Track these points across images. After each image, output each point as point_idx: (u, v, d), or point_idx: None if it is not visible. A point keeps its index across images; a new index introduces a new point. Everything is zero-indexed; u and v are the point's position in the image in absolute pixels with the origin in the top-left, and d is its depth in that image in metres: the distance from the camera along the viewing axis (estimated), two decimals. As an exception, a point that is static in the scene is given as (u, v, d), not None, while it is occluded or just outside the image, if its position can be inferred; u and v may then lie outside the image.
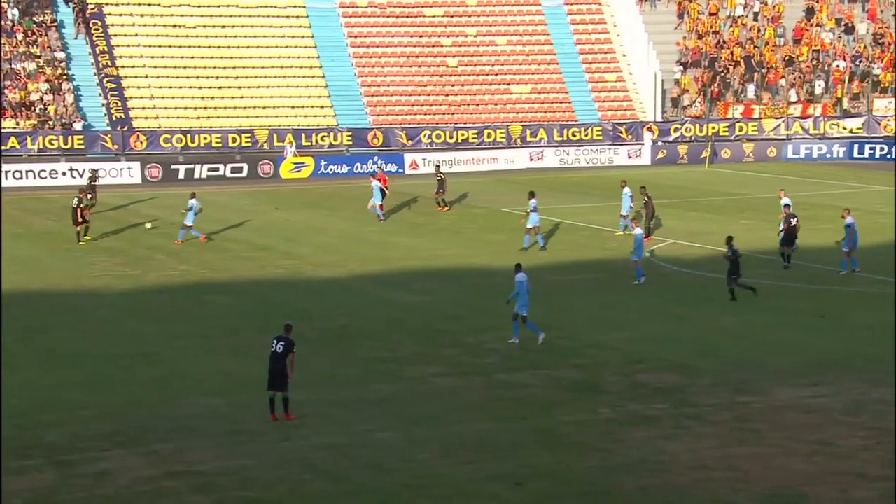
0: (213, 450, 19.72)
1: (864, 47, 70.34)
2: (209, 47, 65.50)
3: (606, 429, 20.63)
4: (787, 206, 36.50)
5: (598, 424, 20.89)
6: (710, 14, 72.96)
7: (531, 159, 63.15)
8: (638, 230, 33.84)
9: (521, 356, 25.57)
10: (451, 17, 71.16)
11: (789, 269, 34.29)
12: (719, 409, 21.61)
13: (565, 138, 64.84)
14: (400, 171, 60.95)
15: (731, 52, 70.30)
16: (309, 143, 61.47)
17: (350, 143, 62.28)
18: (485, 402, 22.41)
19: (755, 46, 70.70)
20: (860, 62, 69.49)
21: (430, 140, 63.41)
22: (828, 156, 65.15)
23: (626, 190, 41.51)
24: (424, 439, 20.26)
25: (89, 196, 42.43)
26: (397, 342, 27.00)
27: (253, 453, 19.60)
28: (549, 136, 64.67)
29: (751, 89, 68.99)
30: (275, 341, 21.47)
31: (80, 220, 39.68)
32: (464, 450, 19.68)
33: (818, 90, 68.76)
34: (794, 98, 68.29)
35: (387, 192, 45.77)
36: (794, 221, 35.02)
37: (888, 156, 63.50)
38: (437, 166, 49.64)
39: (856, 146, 64.97)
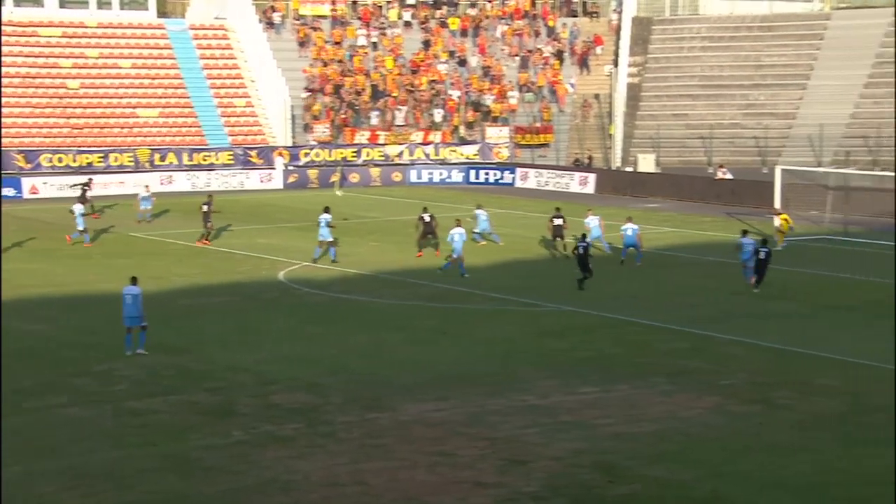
0: None
1: (476, 79, 74.59)
2: None
3: (238, 451, 20.64)
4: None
5: (231, 447, 20.87)
6: (335, 43, 74.85)
7: (161, 183, 62.11)
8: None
9: (153, 382, 25.15)
10: (70, 37, 68.84)
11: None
12: (350, 427, 22.13)
13: (196, 162, 64.35)
14: (18, 195, 58.24)
15: (356, 80, 72.39)
16: (-84, 166, 57.59)
17: (-38, 165, 58.92)
18: (113, 430, 21.87)
19: (380, 75, 73.19)
20: (472, 93, 73.62)
21: (51, 163, 61.00)
22: (448, 180, 68.53)
23: (481, 212, 44.35)
24: (47, 472, 19.46)
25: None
26: (20, 373, 25.80)
27: None
28: (178, 160, 63.95)
29: (375, 116, 71.32)
30: None
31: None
32: (89, 480, 19.10)
33: (438, 118, 72.13)
34: (416, 125, 71.30)
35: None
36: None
37: (501, 180, 67.82)
38: (210, 195, 47.10)
39: (472, 171, 68.82)
